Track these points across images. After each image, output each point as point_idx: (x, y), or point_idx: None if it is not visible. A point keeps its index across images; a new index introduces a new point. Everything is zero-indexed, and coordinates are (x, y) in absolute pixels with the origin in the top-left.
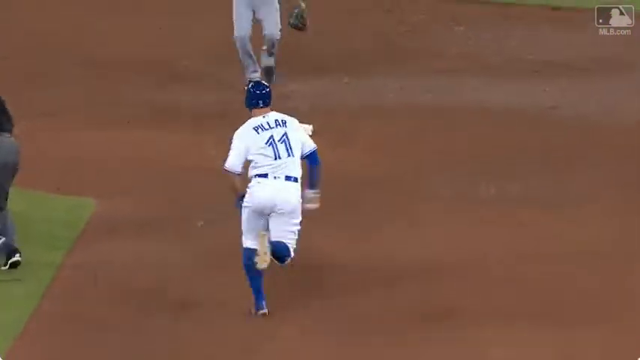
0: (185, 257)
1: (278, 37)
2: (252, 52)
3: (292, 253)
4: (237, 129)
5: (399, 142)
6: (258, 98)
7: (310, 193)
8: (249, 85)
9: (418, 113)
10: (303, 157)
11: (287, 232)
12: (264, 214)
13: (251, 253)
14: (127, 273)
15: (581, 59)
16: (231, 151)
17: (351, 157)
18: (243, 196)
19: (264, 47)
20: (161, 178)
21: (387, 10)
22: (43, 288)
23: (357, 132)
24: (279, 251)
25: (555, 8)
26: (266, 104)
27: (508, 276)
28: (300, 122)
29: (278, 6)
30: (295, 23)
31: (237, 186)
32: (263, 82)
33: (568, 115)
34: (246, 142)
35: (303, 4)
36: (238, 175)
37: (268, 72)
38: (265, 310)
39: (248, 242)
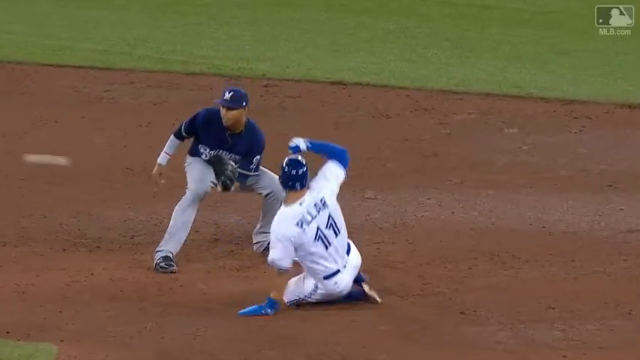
0: None
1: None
2: (193, 220)
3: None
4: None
5: (439, 276)
6: (295, 180)
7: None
8: (284, 164)
9: (461, 237)
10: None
11: None
12: None
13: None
14: None
15: None
16: (275, 248)
17: (379, 304)
18: (272, 305)
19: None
20: (142, 317)
21: (423, 109)
22: None
23: (384, 259)
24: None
25: (634, 107)
26: (303, 186)
27: None
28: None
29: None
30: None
31: (283, 288)
32: (298, 158)
33: None
34: (291, 240)
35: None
36: (286, 270)
37: None
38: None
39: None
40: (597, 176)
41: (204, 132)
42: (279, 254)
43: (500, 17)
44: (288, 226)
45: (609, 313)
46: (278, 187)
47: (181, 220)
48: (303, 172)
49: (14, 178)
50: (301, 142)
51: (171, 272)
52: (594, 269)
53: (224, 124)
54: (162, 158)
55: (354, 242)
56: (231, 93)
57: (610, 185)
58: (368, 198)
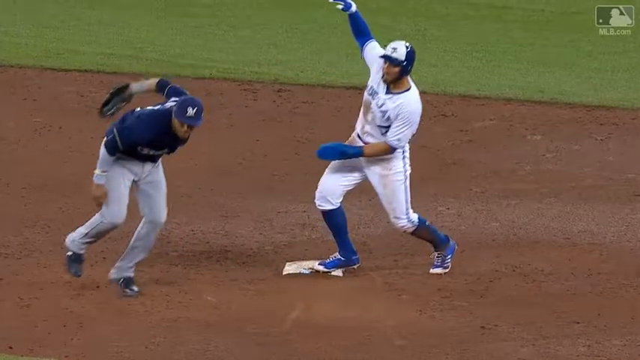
0: None
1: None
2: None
3: None
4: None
5: (459, 289)
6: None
7: None
8: (411, 48)
9: (482, 249)
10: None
11: None
12: None
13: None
14: None
15: None
16: (407, 129)
17: (397, 313)
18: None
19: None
20: (150, 332)
21: (443, 115)
22: None
23: (402, 271)
24: None
25: None
26: None
27: None
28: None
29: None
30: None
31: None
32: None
33: None
34: None
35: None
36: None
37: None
38: None
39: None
40: (624, 185)
41: (153, 141)
42: (410, 134)
43: (522, 19)
44: (420, 105)
45: (636, 328)
46: (159, 213)
47: (94, 234)
48: None
49: (16, 186)
50: (353, 5)
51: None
52: (620, 282)
53: (180, 136)
54: (101, 178)
55: (370, 253)
56: (195, 108)
57: (637, 195)
58: None
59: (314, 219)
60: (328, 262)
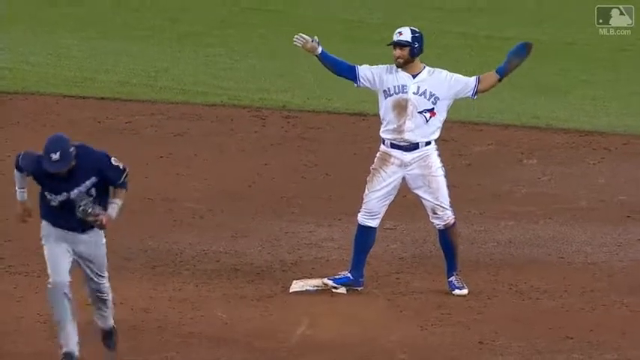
0: None
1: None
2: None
3: None
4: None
5: (458, 306)
6: None
7: None
8: (418, 31)
9: (480, 268)
10: None
11: None
12: None
13: None
14: None
15: None
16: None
17: (398, 329)
18: None
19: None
20: (163, 347)
21: (443, 140)
22: None
23: (403, 289)
24: None
25: None
26: None
27: None
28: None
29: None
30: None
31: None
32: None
33: None
34: None
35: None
36: None
37: (108, 335)
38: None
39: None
40: (616, 207)
41: (40, 178)
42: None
43: None
44: None
45: (627, 343)
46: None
47: (59, 316)
48: None
49: (35, 208)
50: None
51: None
52: (612, 299)
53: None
54: (20, 195)
55: (373, 271)
56: (58, 152)
57: (629, 216)
58: (387, 228)
59: (319, 239)
60: (337, 279)
